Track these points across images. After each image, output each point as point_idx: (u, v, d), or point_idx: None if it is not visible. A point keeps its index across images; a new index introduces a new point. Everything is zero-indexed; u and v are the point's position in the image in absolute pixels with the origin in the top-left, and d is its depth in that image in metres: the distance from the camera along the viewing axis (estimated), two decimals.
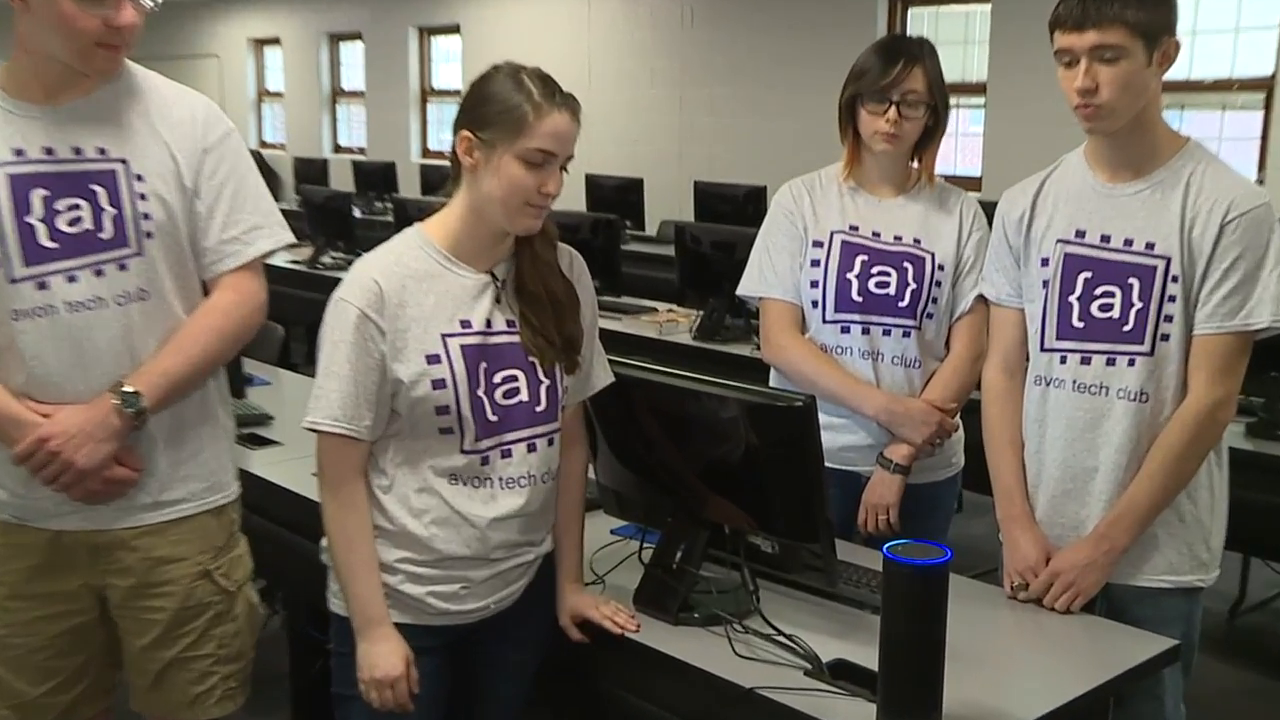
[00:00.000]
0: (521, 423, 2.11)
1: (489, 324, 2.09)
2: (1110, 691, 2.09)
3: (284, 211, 2.37)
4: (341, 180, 11.34)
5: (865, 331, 2.74)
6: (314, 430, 2.06)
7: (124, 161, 2.17)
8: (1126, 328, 2.30)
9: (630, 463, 2.45)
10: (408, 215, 6.82)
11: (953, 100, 2.89)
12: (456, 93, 11.82)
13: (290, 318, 5.25)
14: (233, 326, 2.27)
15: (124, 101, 2.20)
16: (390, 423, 2.08)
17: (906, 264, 2.73)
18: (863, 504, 2.76)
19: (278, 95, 14.93)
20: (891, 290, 2.72)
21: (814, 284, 2.75)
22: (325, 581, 2.20)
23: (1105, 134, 2.30)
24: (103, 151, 2.16)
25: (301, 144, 14.15)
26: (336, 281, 2.09)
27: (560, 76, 2.07)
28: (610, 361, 2.30)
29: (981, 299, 2.63)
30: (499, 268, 2.13)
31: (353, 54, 13.83)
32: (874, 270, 2.73)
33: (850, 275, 2.73)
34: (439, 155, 12.39)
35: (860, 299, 2.72)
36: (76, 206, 2.14)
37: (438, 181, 9.80)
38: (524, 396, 2.11)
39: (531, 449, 2.13)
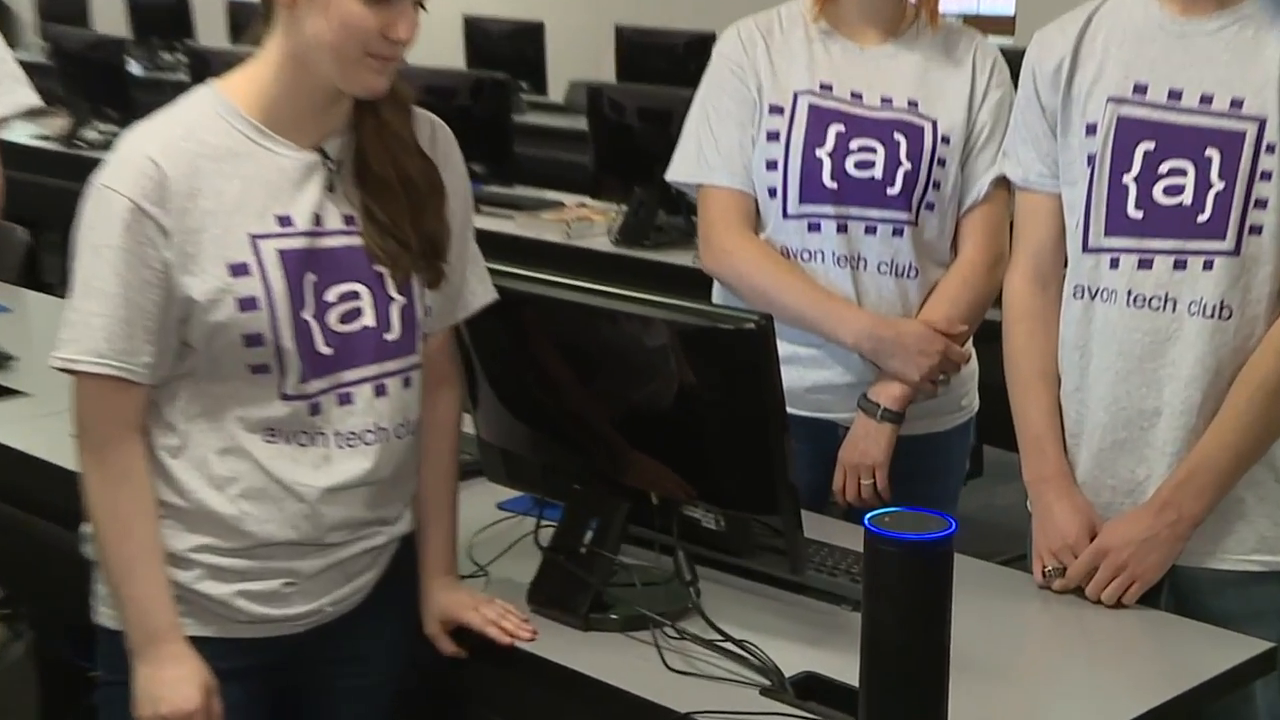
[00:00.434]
0: (366, 357, 2.12)
1: (318, 221, 2.08)
2: (1181, 712, 2.10)
3: (23, 64, 2.34)
4: (110, 21, 11.06)
5: (842, 229, 2.73)
6: (69, 371, 2.03)
7: None
8: (1202, 217, 2.30)
9: (521, 412, 2.46)
10: (209, 71, 6.72)
11: None
12: None
13: (39, 217, 5.18)
14: None
15: None
16: (180, 359, 2.06)
17: (898, 136, 2.72)
18: (840, 463, 2.78)
19: None
20: (877, 172, 2.71)
21: (771, 165, 2.74)
22: (89, 585, 2.17)
23: None
24: None
25: None
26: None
27: None
28: (494, 273, 2.31)
29: (1003, 182, 2.65)
30: (331, 143, 2.11)
31: None
32: (853, 145, 2.71)
33: (821, 152, 2.71)
34: None
35: (835, 184, 2.71)
36: None
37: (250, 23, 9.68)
38: (369, 320, 2.11)
39: (380, 392, 2.13)
